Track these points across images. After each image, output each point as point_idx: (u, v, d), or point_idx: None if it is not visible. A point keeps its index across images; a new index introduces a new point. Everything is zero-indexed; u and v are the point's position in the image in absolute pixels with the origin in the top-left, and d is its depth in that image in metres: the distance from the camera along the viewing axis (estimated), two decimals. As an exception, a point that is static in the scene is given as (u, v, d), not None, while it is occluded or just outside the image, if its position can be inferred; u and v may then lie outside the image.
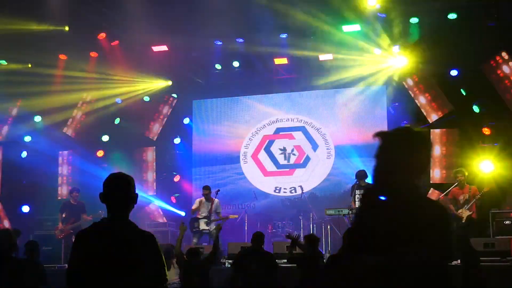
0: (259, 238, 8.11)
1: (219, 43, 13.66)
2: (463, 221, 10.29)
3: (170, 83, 15.22)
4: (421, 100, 13.47)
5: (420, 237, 2.89)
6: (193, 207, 12.18)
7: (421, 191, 3.16)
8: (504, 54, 12.71)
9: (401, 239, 2.91)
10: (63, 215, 12.23)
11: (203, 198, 12.10)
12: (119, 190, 3.60)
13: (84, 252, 3.51)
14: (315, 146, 14.32)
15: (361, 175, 11.01)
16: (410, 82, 13.60)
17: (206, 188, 12.14)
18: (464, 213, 10.31)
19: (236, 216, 12.58)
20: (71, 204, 12.43)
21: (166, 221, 14.21)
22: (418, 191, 3.10)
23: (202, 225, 11.88)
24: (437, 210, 3.04)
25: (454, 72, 13.13)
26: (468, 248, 6.13)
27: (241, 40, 13.49)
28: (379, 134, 3.13)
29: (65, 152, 15.38)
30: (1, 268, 6.49)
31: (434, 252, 2.91)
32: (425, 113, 13.40)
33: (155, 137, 15.39)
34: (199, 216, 11.94)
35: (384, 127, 13.72)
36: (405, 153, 3.02)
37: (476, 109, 12.76)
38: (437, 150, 13.19)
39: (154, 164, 15.26)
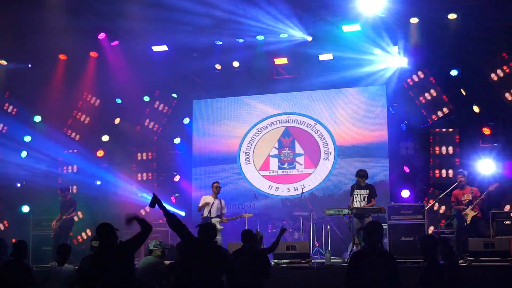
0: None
1: (219, 43, 13.65)
2: (468, 221, 10.24)
3: (170, 82, 15.22)
4: (421, 100, 13.47)
5: None
6: (201, 204, 11.42)
7: None
8: (504, 54, 12.71)
9: None
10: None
11: (210, 196, 11.45)
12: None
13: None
14: (315, 146, 14.31)
15: (361, 175, 10.95)
16: (410, 82, 13.60)
17: (218, 186, 11.54)
18: (469, 213, 10.26)
19: (251, 214, 12.22)
20: (63, 202, 12.58)
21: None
22: None
23: (217, 225, 11.08)
24: None
25: (454, 72, 13.13)
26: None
27: (241, 40, 13.48)
28: None
29: (65, 152, 15.36)
30: None
31: None
32: (425, 113, 13.41)
33: (155, 137, 15.39)
34: (211, 216, 11.24)
35: (384, 127, 13.74)
36: None
37: (476, 109, 12.75)
38: (437, 150, 13.20)
39: (154, 164, 15.24)
